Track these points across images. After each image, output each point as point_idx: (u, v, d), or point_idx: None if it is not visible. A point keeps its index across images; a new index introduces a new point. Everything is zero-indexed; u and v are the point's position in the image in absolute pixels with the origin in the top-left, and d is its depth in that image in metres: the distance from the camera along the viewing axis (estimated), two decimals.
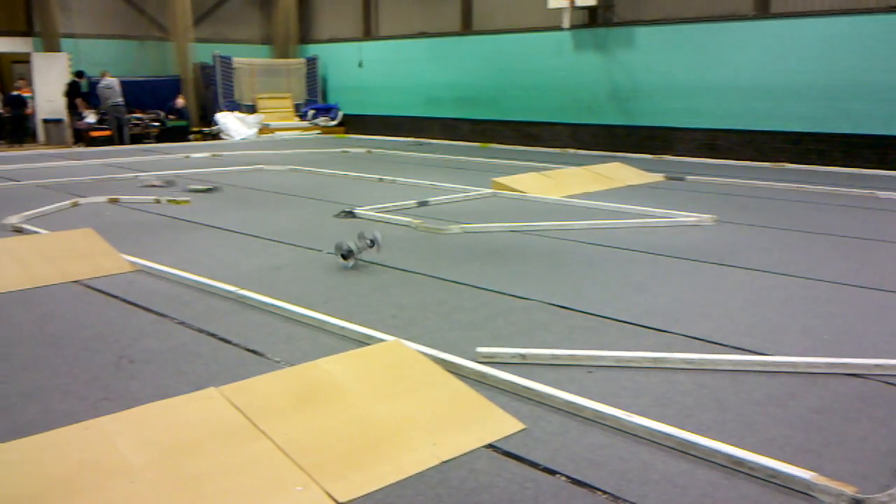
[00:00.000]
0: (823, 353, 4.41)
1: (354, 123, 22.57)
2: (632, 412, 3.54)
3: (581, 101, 17.19)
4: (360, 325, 4.85)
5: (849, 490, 2.88)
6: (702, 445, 3.24)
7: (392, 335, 4.60)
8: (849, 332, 4.83)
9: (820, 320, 5.06)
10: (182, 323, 5.05)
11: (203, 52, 21.69)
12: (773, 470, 3.05)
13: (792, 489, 2.98)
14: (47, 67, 19.55)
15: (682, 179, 12.13)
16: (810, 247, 7.28)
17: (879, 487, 2.97)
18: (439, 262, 6.64)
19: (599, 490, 2.99)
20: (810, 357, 4.30)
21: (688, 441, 3.28)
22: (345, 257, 5.73)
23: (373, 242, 5.71)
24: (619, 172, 12.21)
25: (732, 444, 3.25)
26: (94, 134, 18.92)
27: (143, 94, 20.62)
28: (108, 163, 14.62)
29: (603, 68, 16.73)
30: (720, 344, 4.61)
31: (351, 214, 8.90)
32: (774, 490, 2.98)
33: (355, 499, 2.93)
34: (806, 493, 2.94)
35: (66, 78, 19.46)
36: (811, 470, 3.04)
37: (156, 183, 11.35)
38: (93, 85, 19.44)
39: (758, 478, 3.06)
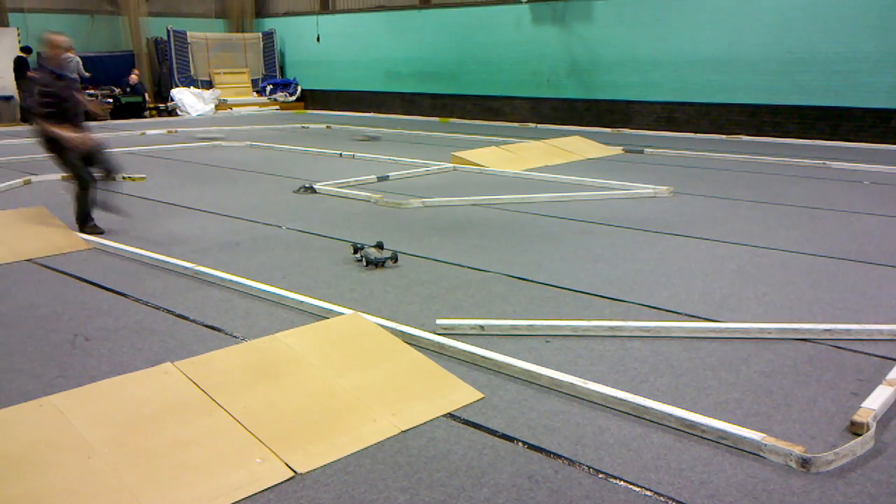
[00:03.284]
0: (775, 319, 4.51)
1: (314, 99, 22.33)
2: (588, 379, 3.60)
3: (541, 75, 17.19)
4: (318, 299, 4.84)
5: (797, 450, 2.96)
6: (655, 409, 3.30)
7: (351, 309, 4.60)
8: (799, 299, 4.94)
9: (771, 287, 5.17)
10: (138, 300, 4.99)
11: (156, 27, 21.22)
12: (723, 432, 3.12)
13: (742, 450, 3.06)
14: None
15: (640, 152, 12.23)
16: (763, 216, 7.41)
17: (827, 447, 3.06)
18: (399, 236, 6.63)
19: (556, 455, 3.04)
20: (762, 323, 4.40)
21: (642, 406, 3.34)
22: (356, 251, 5.83)
23: (395, 257, 5.81)
24: (578, 146, 12.27)
25: (685, 408, 3.32)
26: None
27: (95, 70, 20.13)
28: None
29: (562, 42, 16.73)
30: (675, 312, 4.69)
31: (311, 190, 8.83)
32: (725, 451, 3.06)
33: (315, 469, 2.94)
34: (755, 454, 3.02)
35: (15, 54, 18.88)
36: (761, 431, 3.12)
37: None
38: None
39: (709, 440, 3.14)
